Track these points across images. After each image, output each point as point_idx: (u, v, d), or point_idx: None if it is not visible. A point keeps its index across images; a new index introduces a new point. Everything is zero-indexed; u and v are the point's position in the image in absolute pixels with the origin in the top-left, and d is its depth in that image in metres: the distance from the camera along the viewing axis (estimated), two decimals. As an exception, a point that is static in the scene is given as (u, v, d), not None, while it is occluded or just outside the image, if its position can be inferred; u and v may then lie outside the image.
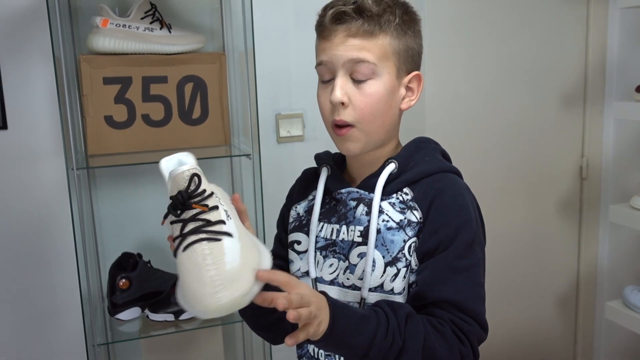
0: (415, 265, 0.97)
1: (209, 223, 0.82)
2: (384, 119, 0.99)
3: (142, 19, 1.57)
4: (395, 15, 0.97)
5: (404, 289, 0.97)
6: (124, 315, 1.58)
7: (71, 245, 1.46)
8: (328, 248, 1.05)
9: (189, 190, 0.84)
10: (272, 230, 1.52)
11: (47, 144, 1.66)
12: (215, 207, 0.84)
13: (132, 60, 1.56)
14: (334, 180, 1.08)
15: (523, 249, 2.35)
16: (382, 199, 1.00)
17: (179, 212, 0.84)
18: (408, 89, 1.02)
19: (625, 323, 2.01)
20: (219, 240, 0.81)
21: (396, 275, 0.97)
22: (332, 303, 0.86)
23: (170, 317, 1.58)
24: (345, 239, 1.02)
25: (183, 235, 0.82)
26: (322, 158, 1.12)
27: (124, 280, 1.58)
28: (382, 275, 0.97)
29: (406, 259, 0.97)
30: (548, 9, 2.22)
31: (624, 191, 2.27)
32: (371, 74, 0.96)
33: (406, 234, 0.98)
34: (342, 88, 0.96)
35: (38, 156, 1.67)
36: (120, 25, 1.54)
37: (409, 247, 0.97)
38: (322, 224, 1.06)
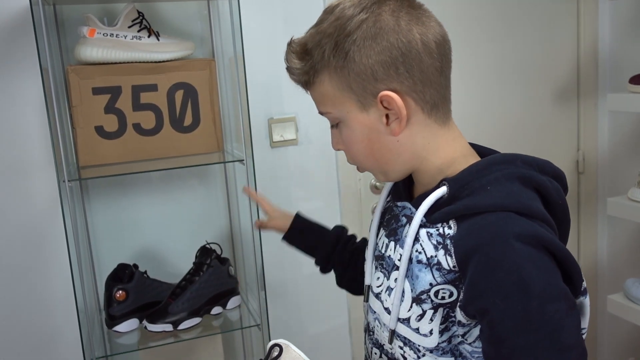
0: (465, 318, 0.82)
1: None
2: (378, 155, 0.89)
3: (129, 27, 1.55)
4: (323, 49, 0.84)
5: (431, 332, 0.84)
6: (122, 327, 1.56)
7: (65, 259, 1.44)
8: (379, 260, 0.97)
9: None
10: (267, 236, 1.51)
11: (37, 157, 1.64)
12: None
13: (121, 69, 1.54)
14: (396, 189, 0.99)
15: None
16: (424, 225, 0.86)
17: None
18: (388, 112, 0.85)
19: (627, 316, 2.00)
20: None
21: (421, 316, 0.85)
22: None
23: (169, 327, 1.56)
24: (392, 256, 0.93)
25: None
26: None
27: (120, 291, 1.56)
28: (410, 310, 0.87)
29: (432, 302, 0.84)
30: (538, 5, 2.22)
31: (622, 183, 2.26)
32: (336, 119, 0.90)
33: (434, 277, 0.83)
34: (334, 136, 0.93)
35: (29, 169, 1.65)
36: (107, 35, 1.52)
37: (436, 292, 0.83)
38: (382, 232, 0.99)
